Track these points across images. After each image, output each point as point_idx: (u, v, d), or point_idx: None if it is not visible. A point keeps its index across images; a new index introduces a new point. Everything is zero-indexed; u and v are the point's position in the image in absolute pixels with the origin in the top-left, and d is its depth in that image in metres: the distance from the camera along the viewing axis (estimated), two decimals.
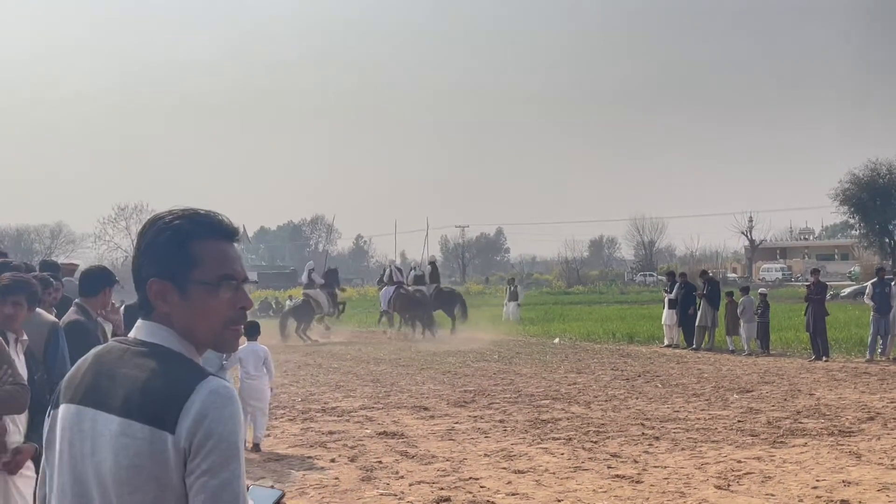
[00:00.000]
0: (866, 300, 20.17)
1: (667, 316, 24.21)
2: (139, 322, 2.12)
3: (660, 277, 76.24)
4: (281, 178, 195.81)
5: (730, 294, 23.08)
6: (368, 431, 11.47)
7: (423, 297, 30.59)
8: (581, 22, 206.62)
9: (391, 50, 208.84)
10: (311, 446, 10.56)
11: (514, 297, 37.47)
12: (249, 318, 12.22)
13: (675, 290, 23.90)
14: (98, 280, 6.60)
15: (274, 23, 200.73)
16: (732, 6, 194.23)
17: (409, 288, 30.95)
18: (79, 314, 6.35)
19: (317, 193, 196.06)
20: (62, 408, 2.10)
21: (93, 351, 2.19)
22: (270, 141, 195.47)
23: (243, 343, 10.95)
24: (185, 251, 2.09)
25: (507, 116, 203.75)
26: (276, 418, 12.67)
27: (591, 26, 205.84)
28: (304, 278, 31.99)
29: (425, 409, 13.33)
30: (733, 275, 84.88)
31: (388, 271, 32.21)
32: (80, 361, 2.18)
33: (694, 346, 22.79)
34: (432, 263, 33.44)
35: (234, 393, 1.99)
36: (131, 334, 2.12)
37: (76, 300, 6.57)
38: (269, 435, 11.39)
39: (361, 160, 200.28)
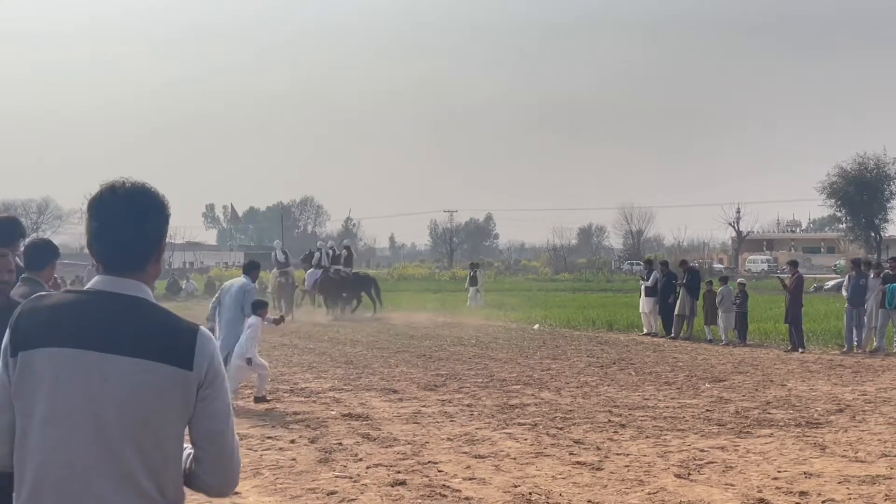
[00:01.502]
0: (843, 292, 20.16)
1: (644, 304, 24.15)
2: (117, 278, 2.48)
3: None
4: (271, 159, 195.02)
5: (709, 283, 23.00)
6: (333, 413, 11.36)
7: (346, 279, 31.90)
8: (578, 24, 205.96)
9: (386, 37, 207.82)
10: (273, 427, 10.45)
11: (473, 282, 37.45)
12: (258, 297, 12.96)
13: (651, 278, 23.84)
14: (46, 253, 6.45)
15: (271, 11, 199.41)
16: (725, 5, 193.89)
17: (332, 268, 31.87)
18: (33, 288, 6.19)
19: (307, 175, 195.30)
20: (43, 352, 2.41)
21: (58, 298, 2.51)
22: (262, 121, 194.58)
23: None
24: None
25: (501, 107, 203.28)
26: (242, 398, 12.55)
27: (589, 28, 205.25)
28: (280, 258, 32.37)
29: (394, 391, 13.22)
30: (720, 265, 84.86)
31: (318, 255, 32.53)
32: (37, 307, 2.50)
33: (672, 334, 22.72)
34: (347, 248, 34.30)
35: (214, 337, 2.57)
36: (108, 287, 2.47)
37: (24, 274, 6.42)
38: None
39: (353, 144, 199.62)
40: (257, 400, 12.22)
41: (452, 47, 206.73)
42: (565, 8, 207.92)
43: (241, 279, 12.81)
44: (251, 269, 13.01)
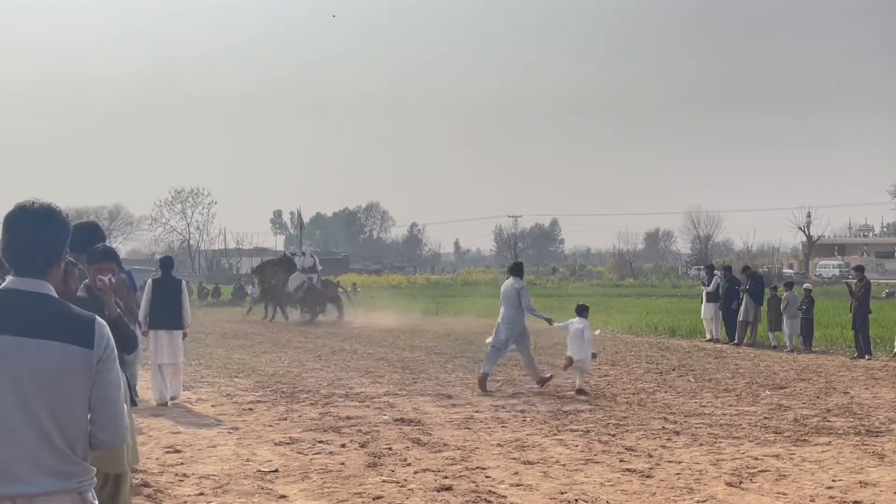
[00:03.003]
0: None
1: (705, 310, 23.88)
2: (25, 279, 3.06)
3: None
4: (338, 166, 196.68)
5: (774, 289, 22.62)
6: (386, 418, 11.39)
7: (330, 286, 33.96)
8: (642, 19, 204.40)
9: (449, 41, 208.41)
10: (325, 431, 10.50)
11: None
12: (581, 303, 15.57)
13: (712, 284, 23.56)
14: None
15: (328, 14, 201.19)
16: (790, 4, 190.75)
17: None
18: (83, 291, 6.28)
19: (372, 181, 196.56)
20: None
21: None
22: (327, 128, 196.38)
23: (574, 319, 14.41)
24: None
25: (566, 109, 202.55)
26: (297, 402, 12.66)
27: (653, 24, 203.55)
28: (308, 262, 33.13)
29: (448, 396, 13.23)
30: (789, 270, 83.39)
31: (313, 261, 33.37)
32: None
33: (735, 341, 22.39)
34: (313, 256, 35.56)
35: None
36: (17, 286, 3.05)
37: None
38: (285, 418, 11.37)
39: (417, 149, 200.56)
40: (579, 392, 13.60)
41: (514, 49, 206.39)
42: (634, 14, 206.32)
43: (511, 280, 14.56)
44: (517, 270, 14.92)
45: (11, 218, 3.10)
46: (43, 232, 3.10)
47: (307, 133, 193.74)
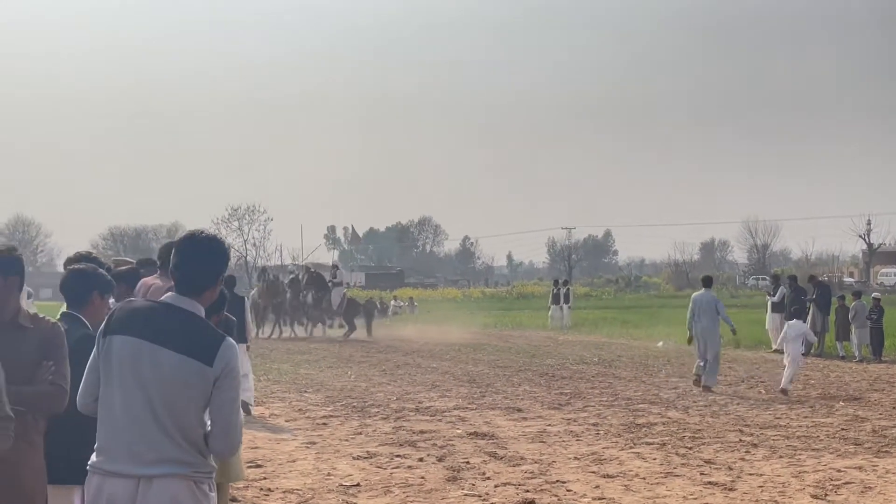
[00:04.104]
0: None
1: (770, 320, 23.61)
2: (182, 297, 3.61)
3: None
4: (391, 180, 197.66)
5: (841, 298, 22.31)
6: (459, 431, 11.42)
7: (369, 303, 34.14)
8: (699, 27, 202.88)
9: (501, 53, 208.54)
10: (401, 445, 10.56)
11: (556, 299, 35.06)
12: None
13: (778, 294, 23.30)
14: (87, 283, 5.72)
15: (380, 23, 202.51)
16: (847, 7, 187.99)
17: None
18: (71, 327, 6.04)
19: (425, 195, 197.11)
20: (119, 338, 3.55)
21: (140, 303, 3.77)
22: (380, 143, 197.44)
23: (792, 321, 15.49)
24: None
25: (619, 119, 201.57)
26: (369, 416, 12.75)
27: (710, 30, 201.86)
28: (343, 277, 33.25)
29: (519, 410, 13.22)
30: (850, 279, 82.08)
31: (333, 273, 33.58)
32: (125, 307, 3.67)
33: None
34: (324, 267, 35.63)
35: (237, 346, 3.64)
36: (172, 301, 3.61)
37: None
38: (360, 433, 11.45)
39: (470, 163, 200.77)
40: (783, 391, 14.54)
41: (568, 60, 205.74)
42: (693, 19, 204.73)
43: (702, 291, 16.31)
44: (709, 282, 16.69)
45: (182, 244, 3.66)
46: (205, 259, 3.66)
47: (360, 148, 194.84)
